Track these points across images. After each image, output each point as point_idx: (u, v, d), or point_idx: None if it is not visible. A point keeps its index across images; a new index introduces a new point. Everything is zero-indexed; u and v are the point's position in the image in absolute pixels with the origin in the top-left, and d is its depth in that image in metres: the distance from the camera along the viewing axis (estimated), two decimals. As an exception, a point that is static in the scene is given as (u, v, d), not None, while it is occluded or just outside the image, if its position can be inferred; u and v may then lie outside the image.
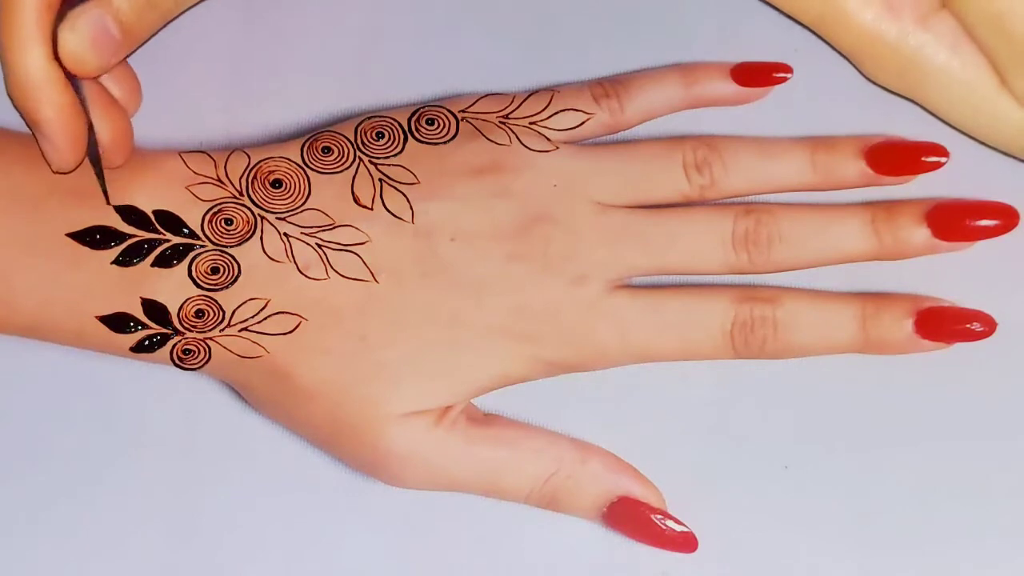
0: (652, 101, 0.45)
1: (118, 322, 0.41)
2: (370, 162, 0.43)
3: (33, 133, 0.40)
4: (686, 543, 0.41)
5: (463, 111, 0.44)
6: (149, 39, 0.42)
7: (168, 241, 0.42)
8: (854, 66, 0.45)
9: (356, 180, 0.43)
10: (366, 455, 0.41)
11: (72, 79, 0.40)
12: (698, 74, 0.45)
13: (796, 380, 0.43)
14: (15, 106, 0.40)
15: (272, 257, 0.42)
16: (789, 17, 0.45)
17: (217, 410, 0.43)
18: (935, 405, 0.43)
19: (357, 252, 0.42)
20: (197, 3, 0.42)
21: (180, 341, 0.41)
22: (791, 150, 0.44)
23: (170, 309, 0.41)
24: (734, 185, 0.44)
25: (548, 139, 0.44)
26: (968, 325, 0.42)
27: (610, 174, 0.43)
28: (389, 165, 0.43)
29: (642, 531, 0.41)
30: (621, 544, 0.42)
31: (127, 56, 0.41)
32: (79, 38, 0.39)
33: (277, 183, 0.43)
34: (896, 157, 0.44)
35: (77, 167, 0.41)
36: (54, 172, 0.41)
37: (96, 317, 0.41)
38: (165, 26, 0.42)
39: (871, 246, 0.43)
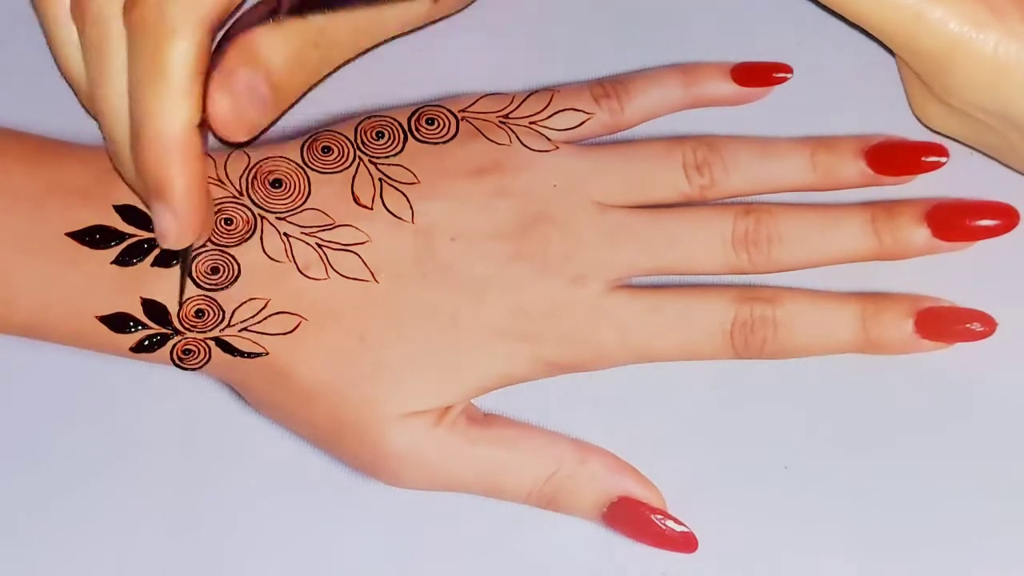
0: (652, 101, 0.45)
1: (118, 322, 0.41)
2: (370, 162, 0.43)
3: (148, 202, 0.39)
4: (686, 543, 0.41)
5: (463, 111, 0.44)
6: (295, 104, 0.41)
7: (168, 241, 0.42)
8: (925, 85, 0.40)
9: (356, 180, 0.43)
10: (366, 455, 0.41)
11: None
12: (698, 74, 0.45)
13: (796, 380, 0.43)
14: (138, 169, 0.38)
15: (272, 257, 0.42)
16: (865, 32, 0.41)
17: (217, 410, 0.43)
18: (935, 405, 0.43)
19: (357, 252, 0.42)
20: (346, 63, 0.42)
21: (180, 341, 0.41)
22: (791, 150, 0.44)
23: (170, 309, 0.41)
24: (734, 185, 0.44)
25: (548, 139, 0.44)
26: (968, 325, 0.42)
27: (610, 174, 0.43)
28: (389, 165, 0.43)
29: (642, 531, 0.41)
30: (621, 544, 0.42)
31: (272, 124, 0.40)
32: (233, 101, 0.38)
33: (277, 183, 0.43)
34: (896, 157, 0.44)
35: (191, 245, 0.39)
36: (165, 247, 0.40)
37: (96, 317, 0.41)
38: (311, 89, 0.41)
39: (871, 246, 0.43)
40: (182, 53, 0.36)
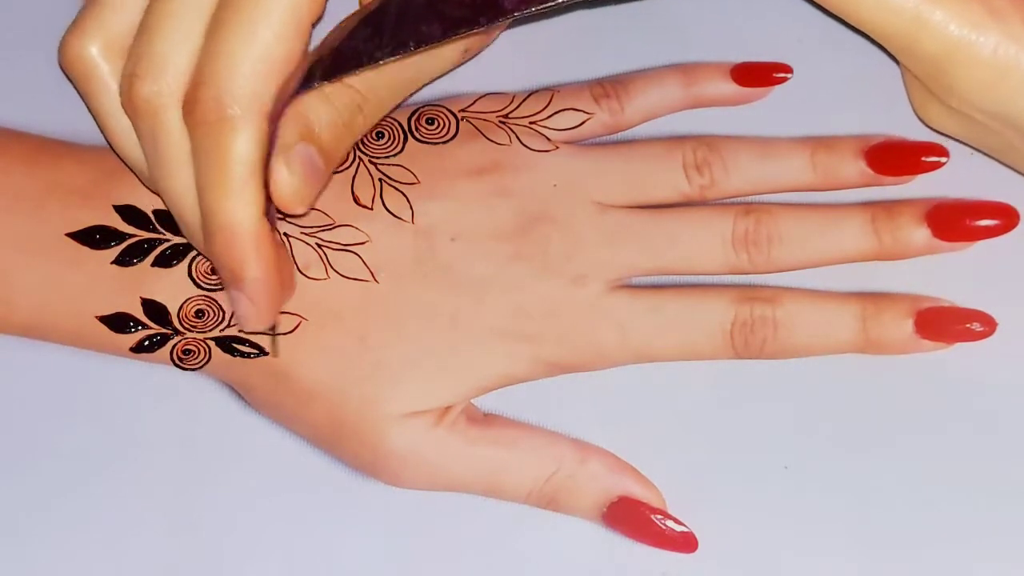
0: (652, 101, 0.45)
1: (118, 322, 0.41)
2: (370, 162, 0.43)
3: (227, 289, 0.39)
4: (686, 543, 0.41)
5: (463, 111, 0.44)
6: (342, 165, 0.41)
7: (168, 241, 0.42)
8: (927, 88, 0.40)
9: (356, 180, 0.43)
10: (366, 455, 0.41)
11: None
12: (698, 74, 0.45)
13: (796, 380, 0.43)
14: (211, 257, 0.38)
15: (272, 257, 0.42)
16: (866, 37, 0.40)
17: (217, 410, 0.43)
18: (935, 405, 0.43)
19: (357, 252, 0.42)
20: (383, 118, 0.42)
21: (180, 341, 0.41)
22: (791, 150, 0.44)
23: (170, 309, 0.41)
24: (734, 185, 0.44)
25: (548, 139, 0.44)
26: (968, 325, 0.42)
27: (610, 174, 0.43)
28: (389, 165, 0.43)
29: (642, 531, 0.41)
30: (621, 544, 0.42)
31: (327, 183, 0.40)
32: (296, 178, 0.38)
33: (277, 183, 0.42)
34: (896, 157, 0.44)
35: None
36: (245, 331, 0.40)
37: (96, 317, 0.41)
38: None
39: (871, 246, 0.43)
40: (246, 150, 0.37)
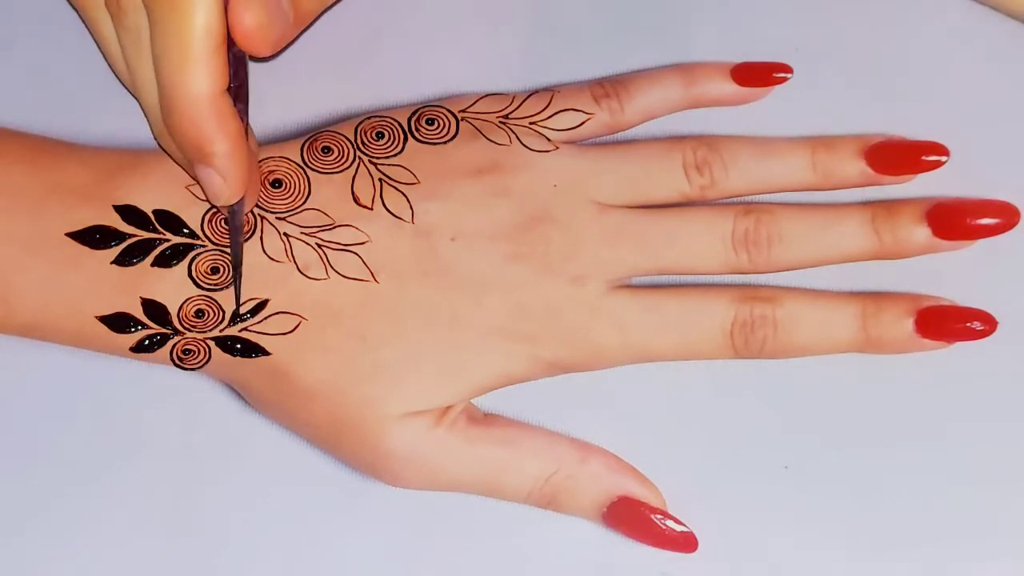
0: (652, 101, 0.45)
1: (118, 322, 0.41)
2: (370, 162, 0.43)
3: (191, 169, 0.39)
4: (686, 543, 0.41)
5: (463, 111, 0.44)
6: (312, 24, 0.41)
7: (168, 241, 0.42)
8: None
9: (356, 180, 0.43)
10: (366, 455, 0.41)
11: None
12: (698, 74, 0.45)
13: (796, 380, 0.43)
14: (176, 140, 0.39)
15: (272, 257, 0.42)
16: None
17: (217, 410, 0.43)
18: (935, 405, 0.43)
19: (357, 252, 0.42)
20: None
21: (180, 341, 0.41)
22: (791, 150, 0.44)
23: (170, 309, 0.41)
24: (734, 185, 0.44)
25: (548, 139, 0.44)
26: (968, 324, 0.42)
27: (610, 174, 0.43)
28: (389, 165, 0.43)
29: (642, 531, 0.41)
30: (621, 544, 0.42)
31: (291, 42, 0.40)
32: (256, 14, 0.37)
33: (277, 183, 0.43)
34: (896, 157, 0.44)
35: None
36: (218, 206, 0.41)
37: (96, 317, 0.41)
38: (328, 8, 0.42)
39: (871, 245, 0.43)
40: (206, 20, 0.37)
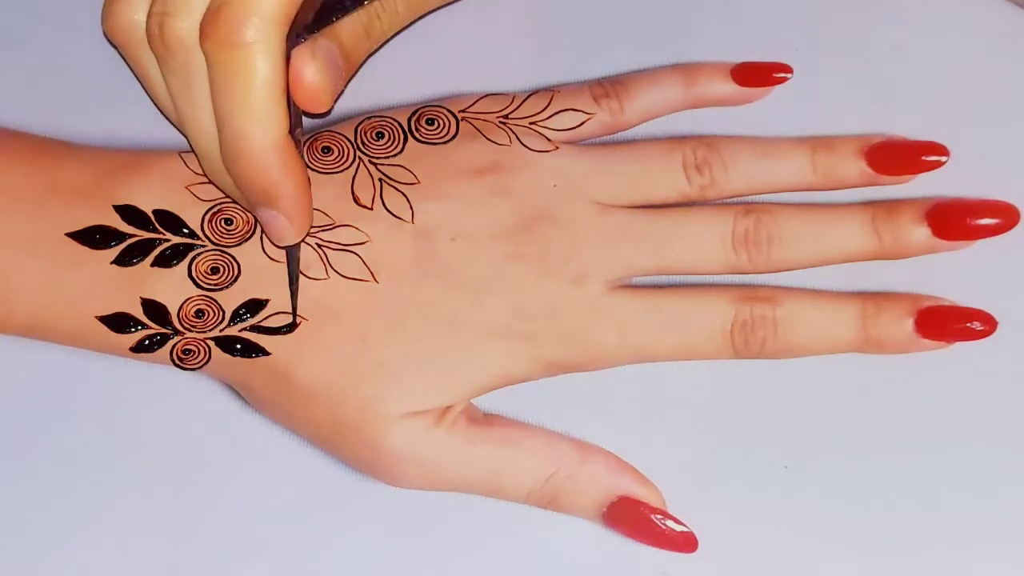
0: (652, 101, 0.45)
1: (118, 322, 0.41)
2: (370, 162, 0.43)
3: (253, 210, 0.40)
4: (686, 543, 0.41)
5: (463, 111, 0.44)
6: (359, 69, 0.42)
7: (168, 241, 0.42)
8: None
9: (356, 180, 0.43)
10: (366, 455, 0.41)
11: None
12: (698, 74, 0.45)
13: (796, 380, 0.43)
14: (241, 186, 0.39)
15: (272, 257, 0.42)
16: None
17: (217, 410, 0.43)
18: (935, 405, 0.43)
19: (357, 252, 0.42)
20: (405, 29, 0.43)
21: (180, 341, 0.41)
22: (791, 150, 0.44)
23: (170, 309, 0.41)
24: (734, 185, 0.44)
25: (548, 139, 0.44)
26: (968, 324, 0.42)
27: (610, 174, 0.43)
28: (389, 165, 0.43)
29: (642, 531, 0.41)
30: (621, 544, 0.42)
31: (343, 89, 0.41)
32: (321, 70, 0.38)
33: (277, 183, 0.43)
34: (896, 157, 0.44)
35: None
36: (280, 247, 0.41)
37: (96, 317, 0.41)
38: (373, 54, 0.43)
39: (871, 245, 0.43)
40: (268, 68, 0.37)
